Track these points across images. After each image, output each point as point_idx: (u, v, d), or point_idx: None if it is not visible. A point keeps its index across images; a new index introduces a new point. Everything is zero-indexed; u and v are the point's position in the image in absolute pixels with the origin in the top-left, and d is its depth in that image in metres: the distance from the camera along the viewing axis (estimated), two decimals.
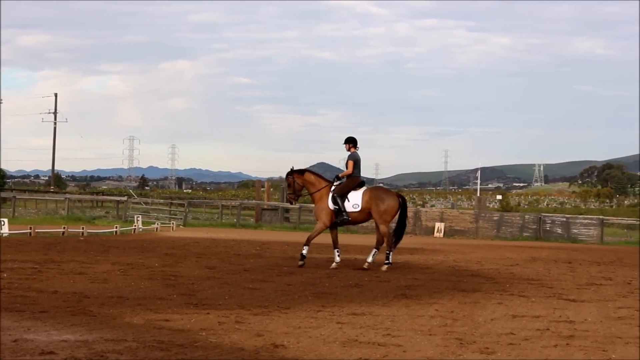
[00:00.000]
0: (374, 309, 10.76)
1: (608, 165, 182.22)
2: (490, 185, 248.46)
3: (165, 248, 21.32)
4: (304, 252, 16.96)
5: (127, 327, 8.68)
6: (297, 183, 17.59)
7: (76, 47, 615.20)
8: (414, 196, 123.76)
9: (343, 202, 16.94)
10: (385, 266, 16.67)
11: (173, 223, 36.21)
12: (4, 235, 23.70)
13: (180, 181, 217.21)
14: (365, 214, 17.14)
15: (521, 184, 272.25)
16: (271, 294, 12.01)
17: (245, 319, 9.51)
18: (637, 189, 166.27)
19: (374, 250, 17.15)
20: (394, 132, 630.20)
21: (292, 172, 17.66)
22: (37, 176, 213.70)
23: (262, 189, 51.54)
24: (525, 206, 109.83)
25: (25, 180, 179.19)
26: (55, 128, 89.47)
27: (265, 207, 45.27)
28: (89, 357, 7.12)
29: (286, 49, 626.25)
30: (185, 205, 46.54)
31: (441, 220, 40.45)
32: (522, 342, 8.58)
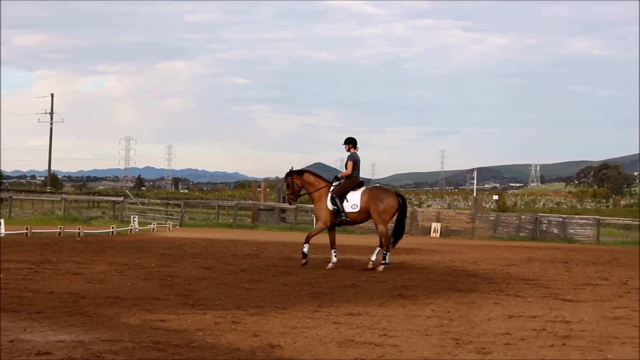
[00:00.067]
0: (370, 309, 10.76)
1: (604, 166, 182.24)
2: (486, 186, 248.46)
3: (161, 248, 21.31)
4: (305, 250, 16.98)
5: (124, 328, 8.68)
6: (296, 184, 17.60)
7: (72, 47, 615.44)
8: (410, 196, 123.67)
9: (342, 202, 16.94)
10: (382, 266, 16.67)
11: (169, 223, 36.21)
12: (0, 235, 23.67)
13: (176, 181, 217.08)
14: (364, 214, 17.13)
15: (517, 184, 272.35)
16: (267, 294, 12.01)
17: (242, 319, 9.51)
18: (634, 189, 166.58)
19: (378, 249, 17.15)
20: (390, 132, 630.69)
21: (291, 173, 17.67)
22: (33, 176, 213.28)
23: (258, 189, 51.58)
24: (522, 206, 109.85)
25: (21, 180, 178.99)
26: (51, 128, 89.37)
27: (262, 207, 45.28)
28: (85, 358, 7.11)
29: (283, 49, 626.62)
30: (182, 205, 46.59)
31: (437, 221, 40.48)
32: (518, 342, 8.59)
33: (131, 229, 30.88)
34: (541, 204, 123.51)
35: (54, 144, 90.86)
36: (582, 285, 14.92)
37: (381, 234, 17.02)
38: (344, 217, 17.01)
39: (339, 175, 17.54)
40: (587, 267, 19.76)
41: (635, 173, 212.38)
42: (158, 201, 55.95)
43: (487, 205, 66.84)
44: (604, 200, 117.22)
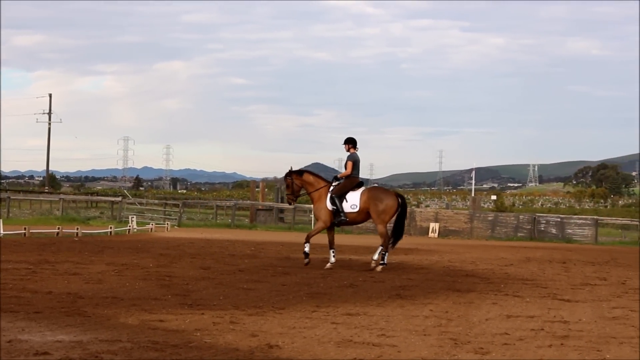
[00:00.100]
0: (368, 309, 10.76)
1: (602, 166, 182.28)
2: (484, 186, 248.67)
3: (159, 248, 21.31)
4: (307, 249, 16.99)
5: (122, 328, 8.67)
6: (295, 184, 17.60)
7: (71, 47, 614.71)
8: (409, 196, 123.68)
9: (341, 202, 16.93)
10: (380, 267, 16.67)
11: (167, 223, 36.21)
12: None
13: (174, 181, 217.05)
14: (363, 215, 17.12)
15: (516, 184, 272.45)
16: (266, 294, 12.01)
17: (240, 319, 9.51)
18: (632, 189, 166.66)
19: (380, 247, 17.14)
20: (388, 132, 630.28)
21: (290, 173, 17.67)
22: (31, 177, 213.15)
23: (256, 189, 51.58)
24: (520, 206, 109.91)
25: (19, 180, 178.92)
26: (49, 128, 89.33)
27: (260, 207, 45.27)
28: (83, 358, 7.11)
29: (281, 49, 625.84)
30: (180, 205, 46.56)
31: (436, 221, 40.49)
32: (516, 342, 8.60)
33: (129, 229, 30.87)
34: (539, 204, 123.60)
35: (52, 144, 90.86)
36: (580, 285, 14.93)
37: (380, 234, 17.02)
38: (343, 217, 17.01)
39: (339, 176, 17.54)
40: (585, 267, 19.77)
41: (634, 173, 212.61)
42: (156, 201, 55.94)
43: (485, 205, 66.82)
44: (602, 201, 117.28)
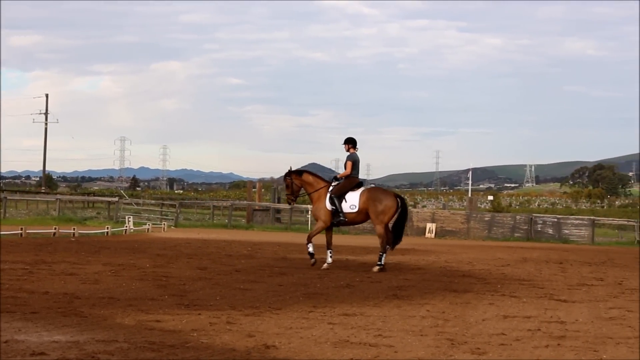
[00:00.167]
0: (365, 309, 10.76)
1: (599, 166, 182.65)
2: (481, 186, 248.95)
3: (156, 249, 21.30)
4: (310, 249, 17.00)
5: (118, 328, 8.67)
6: (295, 184, 17.59)
7: (67, 47, 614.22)
8: (406, 197, 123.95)
9: (340, 203, 16.92)
10: (377, 267, 16.66)
11: (164, 224, 36.17)
12: None
13: (171, 182, 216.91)
14: (362, 215, 17.10)
15: (512, 185, 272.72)
16: (262, 294, 12.01)
17: (237, 319, 9.51)
18: (629, 189, 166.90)
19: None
20: (385, 132, 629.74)
21: (290, 173, 17.66)
22: (28, 177, 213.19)
23: (253, 189, 51.59)
24: (517, 207, 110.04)
25: (16, 181, 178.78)
26: (46, 129, 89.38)
27: (257, 207, 45.28)
28: (80, 358, 7.10)
29: (277, 49, 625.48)
30: (177, 206, 46.56)
31: (432, 221, 40.50)
32: (513, 342, 8.60)
33: (126, 229, 30.84)
34: (536, 204, 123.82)
35: (49, 144, 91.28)
36: (577, 286, 14.93)
37: (378, 235, 16.99)
38: (342, 218, 16.99)
39: (338, 176, 17.53)
40: (582, 268, 19.79)
41: (630, 173, 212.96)
42: (153, 201, 55.87)
43: (482, 206, 66.74)
44: (598, 201, 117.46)
